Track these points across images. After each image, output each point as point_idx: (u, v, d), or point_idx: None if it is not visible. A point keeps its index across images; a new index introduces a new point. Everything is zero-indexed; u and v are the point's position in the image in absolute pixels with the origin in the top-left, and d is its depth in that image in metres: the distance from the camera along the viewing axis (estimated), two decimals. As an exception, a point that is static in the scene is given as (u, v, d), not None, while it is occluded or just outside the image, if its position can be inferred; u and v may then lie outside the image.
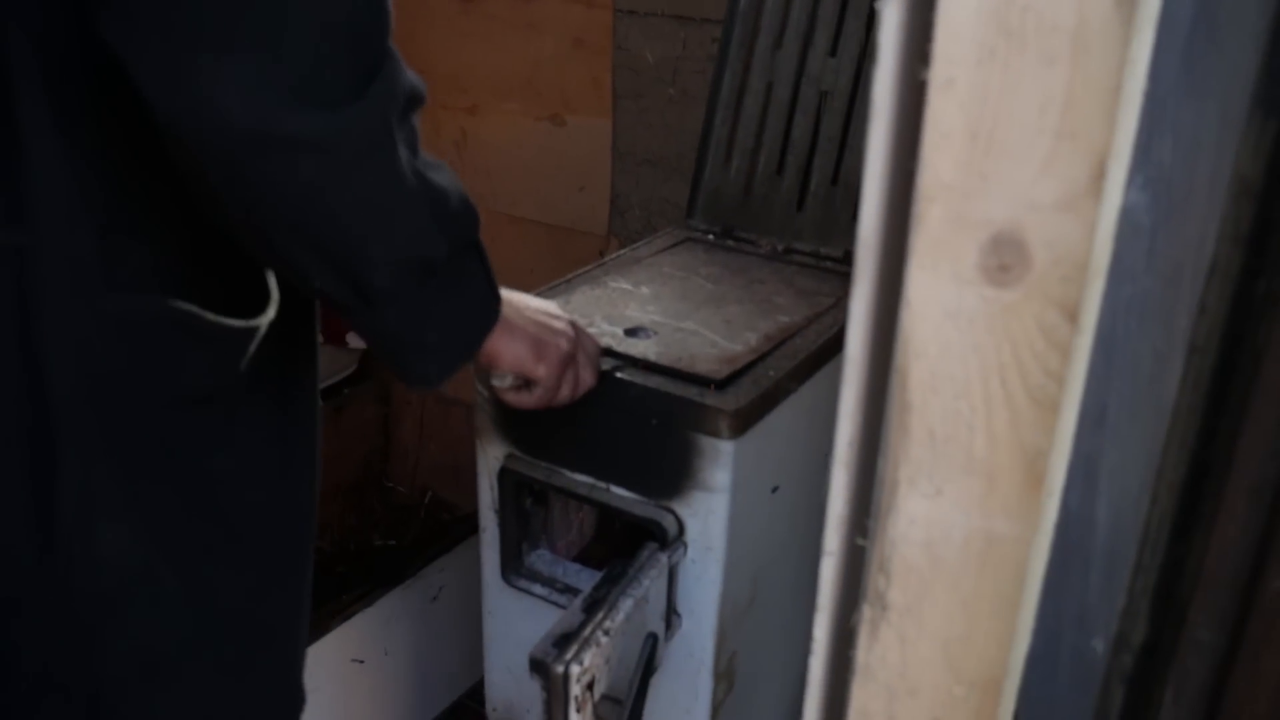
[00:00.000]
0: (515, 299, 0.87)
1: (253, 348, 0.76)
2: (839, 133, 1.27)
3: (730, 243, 1.31)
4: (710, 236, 1.34)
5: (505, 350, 0.82)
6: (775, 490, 1.02)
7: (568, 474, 1.03)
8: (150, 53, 0.60)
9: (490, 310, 0.80)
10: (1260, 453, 0.38)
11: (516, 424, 1.04)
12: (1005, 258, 0.46)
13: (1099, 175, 0.43)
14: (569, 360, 0.87)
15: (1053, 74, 0.42)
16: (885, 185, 0.48)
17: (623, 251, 1.28)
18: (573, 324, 0.90)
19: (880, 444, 0.52)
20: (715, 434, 0.91)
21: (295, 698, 0.96)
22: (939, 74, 0.44)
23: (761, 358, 0.99)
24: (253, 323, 0.75)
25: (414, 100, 0.70)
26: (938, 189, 0.46)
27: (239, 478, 0.80)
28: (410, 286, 0.72)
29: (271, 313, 0.76)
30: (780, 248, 1.28)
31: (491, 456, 1.07)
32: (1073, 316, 0.45)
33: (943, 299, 0.48)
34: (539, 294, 1.13)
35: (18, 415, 0.70)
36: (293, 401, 0.83)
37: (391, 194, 0.67)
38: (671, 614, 0.99)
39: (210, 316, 0.73)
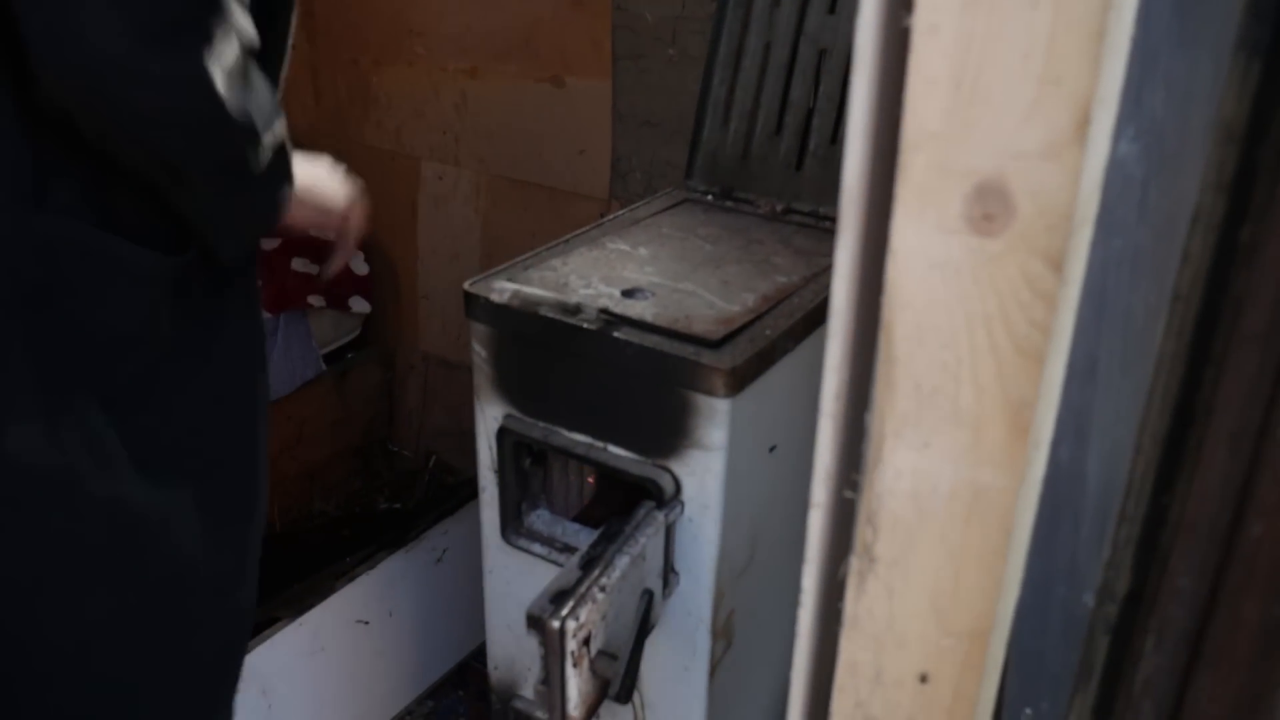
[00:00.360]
0: (304, 174, 0.98)
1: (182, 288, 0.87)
2: (838, 92, 1.26)
3: (729, 203, 1.31)
4: (709, 197, 1.33)
5: (297, 218, 0.98)
6: (773, 450, 1.02)
7: (565, 433, 1.03)
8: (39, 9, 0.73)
9: (285, 199, 0.92)
10: (1239, 400, 0.37)
11: (515, 384, 1.05)
12: (990, 207, 0.45)
13: (1084, 122, 0.42)
14: (347, 212, 1.04)
15: (1036, 18, 0.42)
16: (869, 135, 0.48)
17: (621, 213, 1.28)
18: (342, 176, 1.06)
19: (867, 396, 0.52)
20: (711, 392, 0.92)
21: (240, 626, 1.00)
22: (922, 20, 0.44)
23: (758, 317, 0.98)
24: (174, 259, 0.85)
25: (240, 38, 0.81)
26: (922, 137, 0.46)
27: (172, 412, 0.89)
28: (226, 188, 0.87)
29: (193, 252, 0.87)
30: (779, 208, 1.28)
31: (490, 417, 1.08)
32: (1057, 266, 0.45)
33: (928, 249, 0.47)
34: (537, 254, 1.12)
35: None
36: (226, 345, 0.93)
37: (214, 118, 0.80)
38: (669, 572, 0.99)
39: (130, 245, 0.82)
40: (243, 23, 0.81)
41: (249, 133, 0.82)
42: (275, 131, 0.86)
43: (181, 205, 0.85)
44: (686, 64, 1.71)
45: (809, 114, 1.28)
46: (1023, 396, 0.47)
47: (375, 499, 2.28)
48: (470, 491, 1.70)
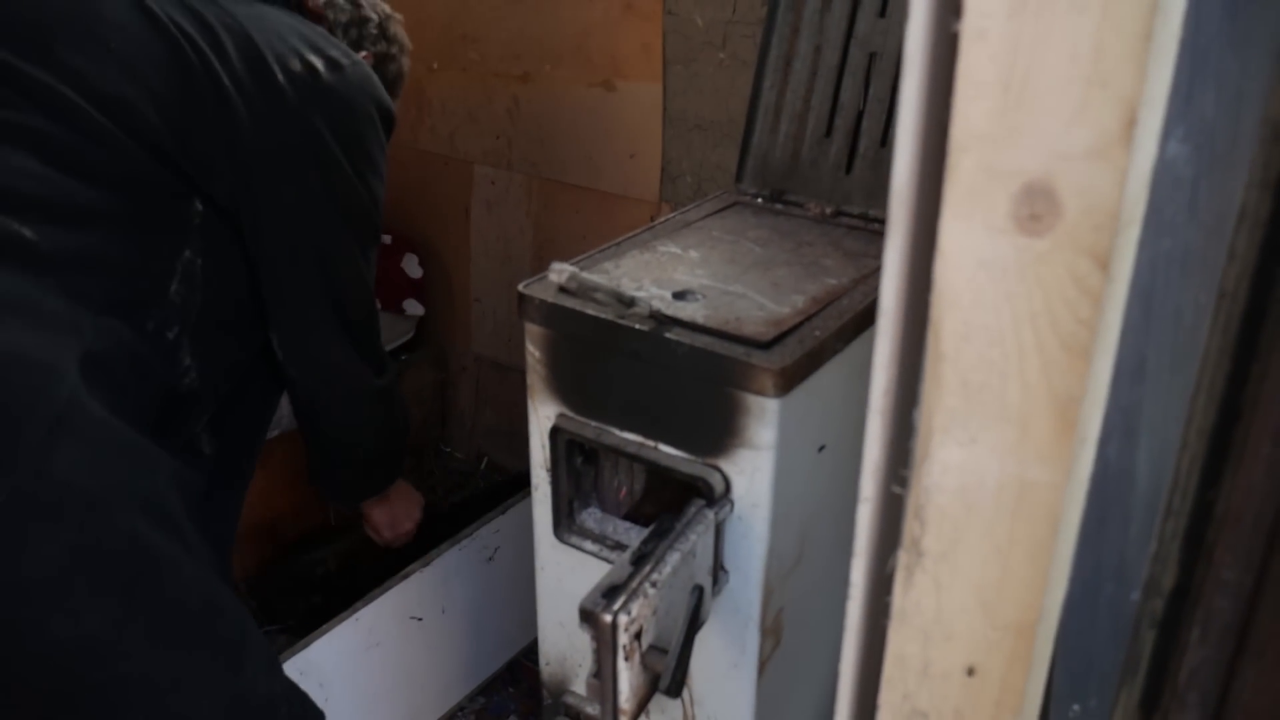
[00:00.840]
0: (402, 494, 1.66)
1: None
2: (887, 94, 1.26)
3: (779, 206, 1.32)
4: (759, 200, 1.34)
5: (373, 516, 1.63)
6: (822, 449, 1.03)
7: (617, 433, 1.05)
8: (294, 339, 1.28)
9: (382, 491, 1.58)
10: (1284, 394, 0.38)
11: (567, 384, 1.07)
12: (1037, 207, 0.46)
13: (1130, 123, 0.43)
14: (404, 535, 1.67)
15: (1083, 22, 0.43)
16: (918, 137, 0.49)
17: (672, 215, 1.30)
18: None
19: (915, 393, 0.53)
20: (761, 392, 0.93)
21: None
22: (971, 25, 0.45)
23: (808, 319, 0.99)
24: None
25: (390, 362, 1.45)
26: (970, 139, 0.47)
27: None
28: (364, 468, 1.50)
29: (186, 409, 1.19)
30: (829, 210, 1.28)
31: (543, 416, 1.10)
32: (1104, 265, 0.46)
33: (976, 248, 0.48)
34: (589, 257, 1.15)
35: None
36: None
37: (392, 422, 1.46)
38: (719, 569, 1.01)
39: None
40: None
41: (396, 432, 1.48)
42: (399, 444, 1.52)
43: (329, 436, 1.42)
44: (737, 68, 1.72)
45: (859, 117, 1.29)
46: (1070, 393, 0.48)
47: (428, 498, 2.31)
48: (521, 489, 1.73)
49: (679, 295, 1.04)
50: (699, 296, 1.03)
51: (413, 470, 2.35)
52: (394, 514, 1.62)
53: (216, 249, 1.15)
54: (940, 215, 0.48)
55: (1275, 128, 0.40)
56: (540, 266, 2.11)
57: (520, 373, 2.31)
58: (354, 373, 1.33)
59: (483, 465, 2.37)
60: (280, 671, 1.15)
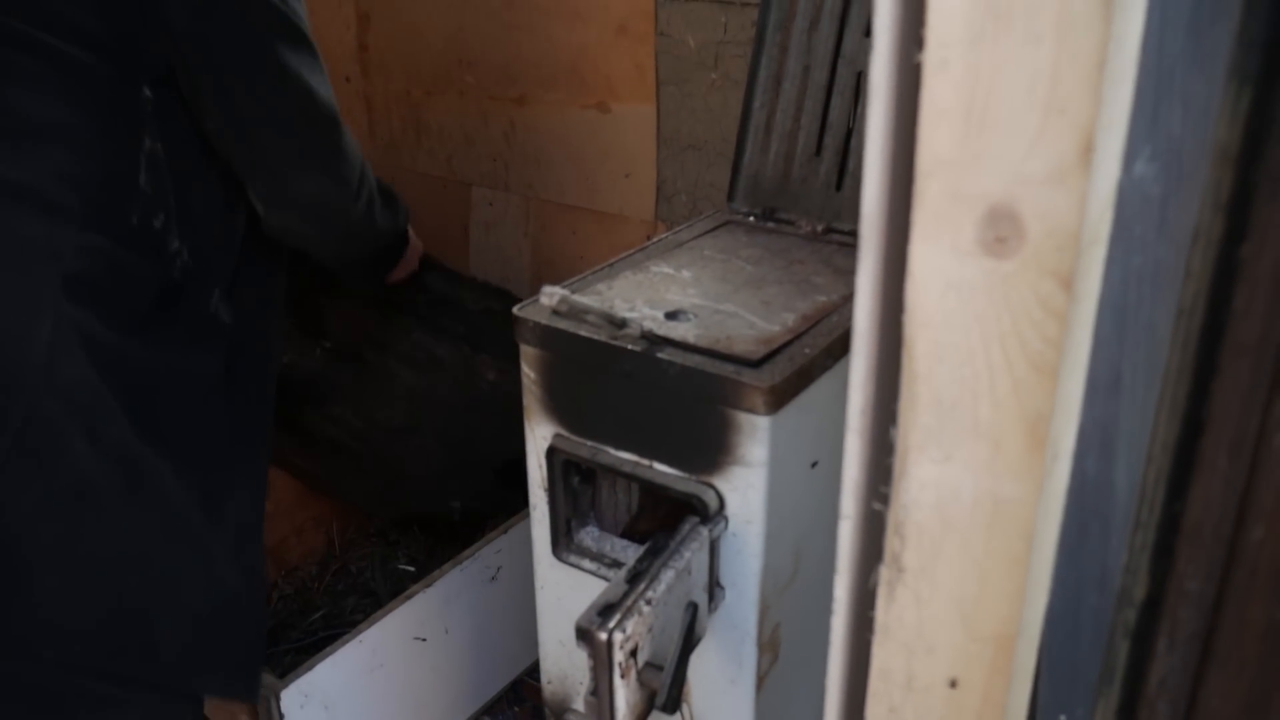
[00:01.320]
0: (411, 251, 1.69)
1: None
2: (876, 112, 1.28)
3: (771, 224, 1.33)
4: (751, 219, 1.36)
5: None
6: (814, 465, 1.04)
7: (612, 452, 1.06)
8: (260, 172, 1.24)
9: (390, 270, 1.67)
10: (1237, 410, 0.39)
11: (563, 404, 1.08)
12: (1001, 230, 0.48)
13: (1087, 148, 0.45)
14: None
15: (1039, 52, 0.44)
16: (886, 163, 0.51)
17: (665, 236, 1.31)
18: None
19: (891, 412, 0.55)
20: (752, 410, 0.94)
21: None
22: (933, 56, 0.47)
23: (798, 336, 1.01)
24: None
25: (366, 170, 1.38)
26: (935, 165, 0.48)
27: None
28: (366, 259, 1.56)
29: (190, 286, 1.22)
30: (820, 228, 1.30)
31: (539, 436, 1.11)
32: (1067, 285, 0.47)
33: (944, 270, 0.50)
34: (583, 279, 1.16)
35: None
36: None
37: (366, 224, 1.41)
38: (714, 586, 1.02)
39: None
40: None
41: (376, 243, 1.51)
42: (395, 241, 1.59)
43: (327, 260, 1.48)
44: (729, 88, 1.74)
45: (848, 135, 1.31)
46: (1039, 410, 0.49)
47: (431, 518, 2.32)
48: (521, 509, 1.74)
49: (671, 315, 1.05)
50: (691, 316, 1.05)
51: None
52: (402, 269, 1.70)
53: (174, 130, 1.15)
54: (909, 239, 0.50)
55: (1225, 151, 0.41)
56: (539, 286, 2.13)
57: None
58: (337, 205, 1.31)
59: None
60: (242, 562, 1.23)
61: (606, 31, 1.88)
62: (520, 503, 1.75)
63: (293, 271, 1.47)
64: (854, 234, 1.28)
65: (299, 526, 2.16)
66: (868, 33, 1.28)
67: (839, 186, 1.30)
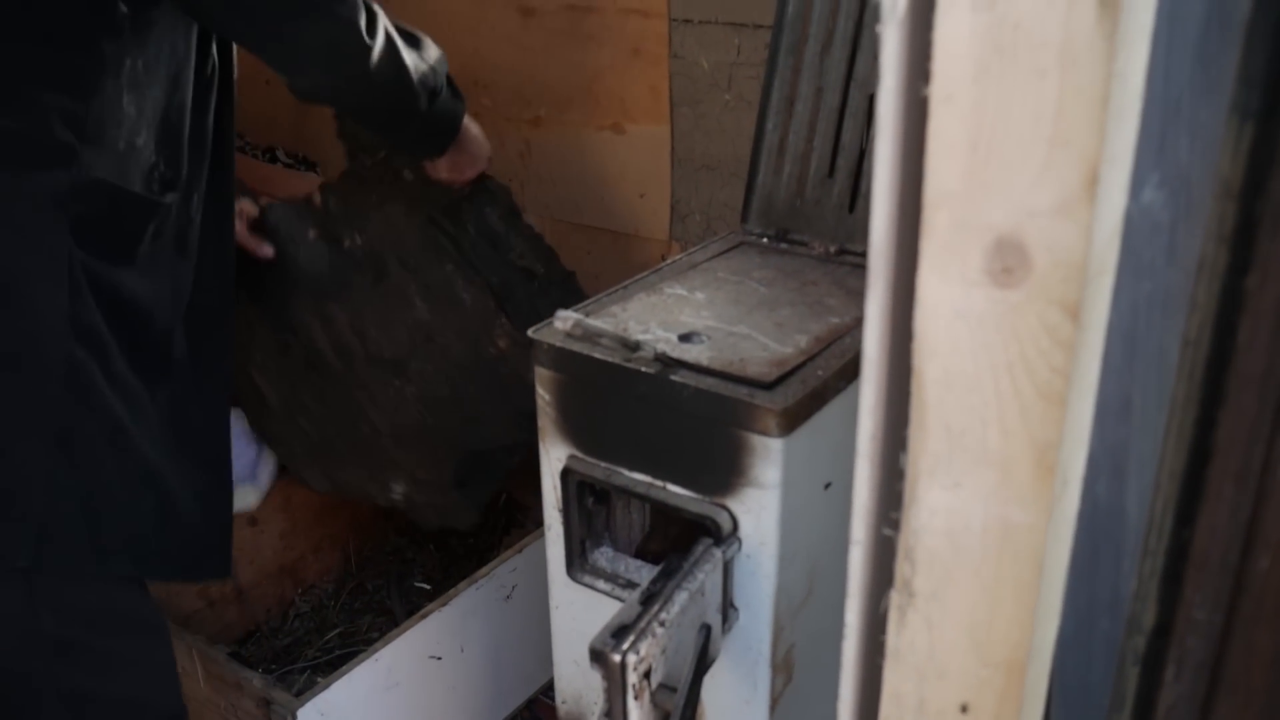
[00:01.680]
0: (470, 140, 1.60)
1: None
2: (888, 134, 1.28)
3: (784, 245, 1.34)
4: (765, 240, 1.37)
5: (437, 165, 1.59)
6: (828, 487, 1.05)
7: (626, 473, 1.06)
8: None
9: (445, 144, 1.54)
10: (1243, 440, 0.40)
11: (577, 426, 1.09)
12: (1008, 260, 0.48)
13: (1092, 181, 0.45)
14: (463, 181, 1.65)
15: (1044, 86, 0.45)
16: (894, 194, 0.51)
17: (679, 257, 1.32)
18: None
19: (901, 439, 0.55)
20: (765, 432, 0.95)
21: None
22: (939, 90, 0.47)
23: (811, 358, 1.01)
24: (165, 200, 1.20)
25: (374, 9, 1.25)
26: (943, 197, 0.49)
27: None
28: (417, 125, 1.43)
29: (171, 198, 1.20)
30: (833, 249, 1.31)
31: (554, 458, 1.12)
32: (1074, 315, 0.48)
33: (952, 300, 0.50)
34: (597, 301, 1.17)
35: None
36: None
37: (394, 69, 1.29)
38: (728, 607, 1.02)
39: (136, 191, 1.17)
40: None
41: (414, 90, 1.34)
42: (434, 86, 1.41)
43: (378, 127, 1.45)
44: (742, 109, 1.75)
45: (860, 157, 1.31)
46: (1047, 438, 0.50)
47: (448, 534, 2.33)
48: (537, 527, 1.75)
49: (684, 337, 1.06)
50: (704, 338, 1.06)
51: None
52: (456, 160, 1.60)
53: (149, 42, 1.14)
54: (918, 268, 0.51)
55: (1228, 184, 0.42)
56: (554, 306, 2.15)
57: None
58: (349, 49, 1.21)
59: (501, 500, 2.39)
60: None
61: (621, 54, 1.89)
62: (471, 509, 1.71)
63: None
64: (866, 255, 1.29)
65: (316, 544, 2.17)
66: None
67: (851, 208, 1.31)
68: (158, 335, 1.21)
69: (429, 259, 1.63)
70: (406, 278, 1.63)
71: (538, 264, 1.72)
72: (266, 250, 1.60)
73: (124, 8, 1.11)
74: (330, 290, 1.65)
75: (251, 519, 2.02)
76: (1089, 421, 0.51)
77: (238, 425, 1.81)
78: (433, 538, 2.32)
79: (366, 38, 1.22)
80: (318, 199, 1.69)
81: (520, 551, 1.75)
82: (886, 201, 0.51)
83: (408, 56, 1.32)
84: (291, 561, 2.14)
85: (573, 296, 1.64)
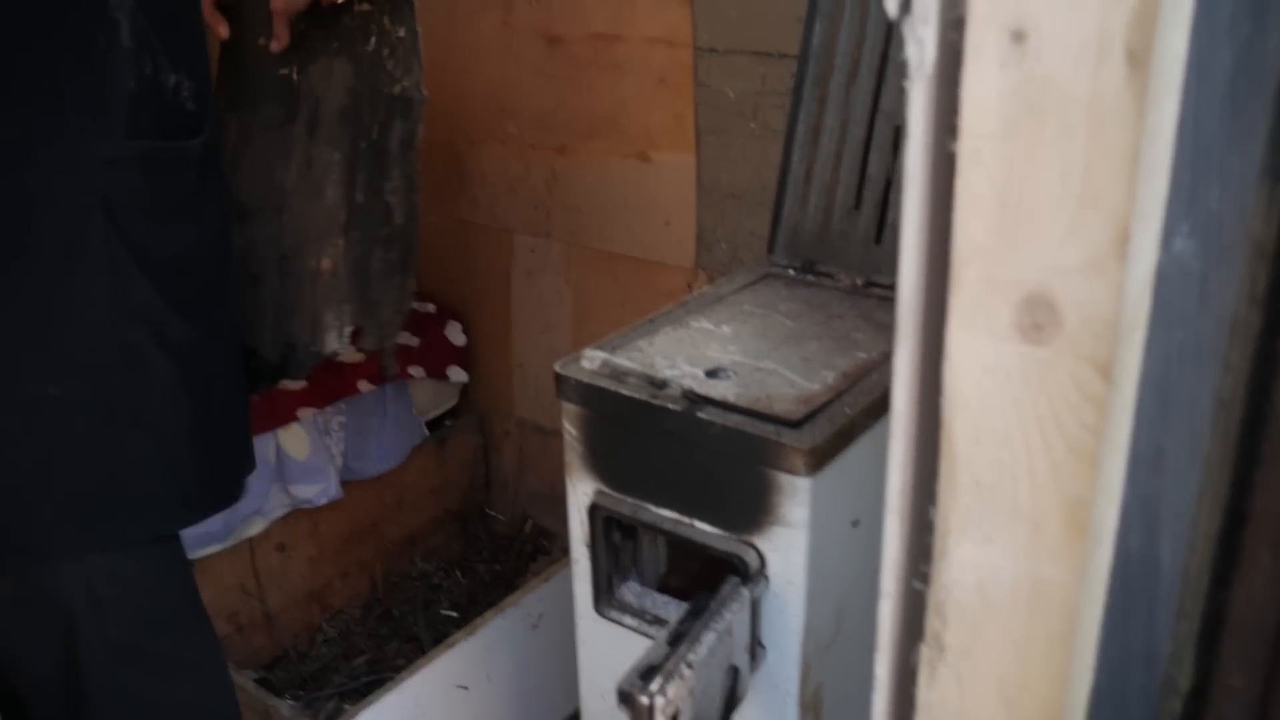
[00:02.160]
0: None
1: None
2: (915, 165, 1.28)
3: (810, 277, 1.34)
4: (791, 271, 1.36)
5: None
6: (856, 524, 1.04)
7: (653, 509, 1.06)
8: None
9: None
10: (1279, 506, 0.39)
11: (604, 461, 1.09)
12: (1038, 317, 0.48)
13: (1123, 239, 0.45)
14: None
15: (1072, 145, 0.45)
16: (922, 248, 0.51)
17: (705, 289, 1.32)
18: None
19: (930, 491, 0.55)
20: (792, 471, 0.94)
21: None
22: (966, 146, 0.47)
23: (838, 395, 1.01)
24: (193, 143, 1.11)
25: None
26: (972, 252, 0.49)
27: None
28: None
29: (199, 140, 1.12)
30: (859, 281, 1.30)
31: (581, 492, 1.12)
32: (1106, 372, 0.47)
33: (982, 355, 0.50)
34: (624, 335, 1.17)
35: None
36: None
37: None
38: (756, 646, 1.01)
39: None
40: None
41: None
42: None
43: None
44: (768, 137, 1.75)
45: (886, 188, 1.31)
46: (1078, 495, 0.49)
47: (475, 562, 2.34)
48: (562, 557, 1.75)
49: (711, 373, 1.06)
50: (731, 374, 1.05)
51: (459, 534, 2.38)
52: None
53: None
54: (946, 323, 0.50)
55: (1260, 246, 0.41)
56: (580, 332, 2.15)
57: (561, 437, 2.33)
58: None
59: (527, 528, 2.39)
60: None
61: (646, 83, 1.90)
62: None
63: None
64: (893, 288, 1.28)
65: (343, 570, 2.18)
66: (906, 88, 1.29)
67: (878, 240, 1.31)
68: (206, 280, 1.16)
69: (330, 134, 1.51)
70: (303, 135, 1.51)
71: (400, 212, 1.55)
72: (222, 31, 1.45)
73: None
74: (240, 99, 1.53)
75: (280, 544, 2.03)
76: (1121, 477, 0.51)
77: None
78: (461, 563, 2.32)
79: None
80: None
81: (547, 581, 1.74)
82: (914, 255, 0.51)
83: None
84: (319, 587, 2.15)
85: (404, 266, 1.53)
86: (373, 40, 1.50)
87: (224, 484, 1.22)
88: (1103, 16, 0.43)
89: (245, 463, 1.27)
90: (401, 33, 1.49)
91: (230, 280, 1.23)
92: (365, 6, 1.46)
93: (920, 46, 0.47)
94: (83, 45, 0.99)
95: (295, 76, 1.51)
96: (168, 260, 1.07)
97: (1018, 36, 0.44)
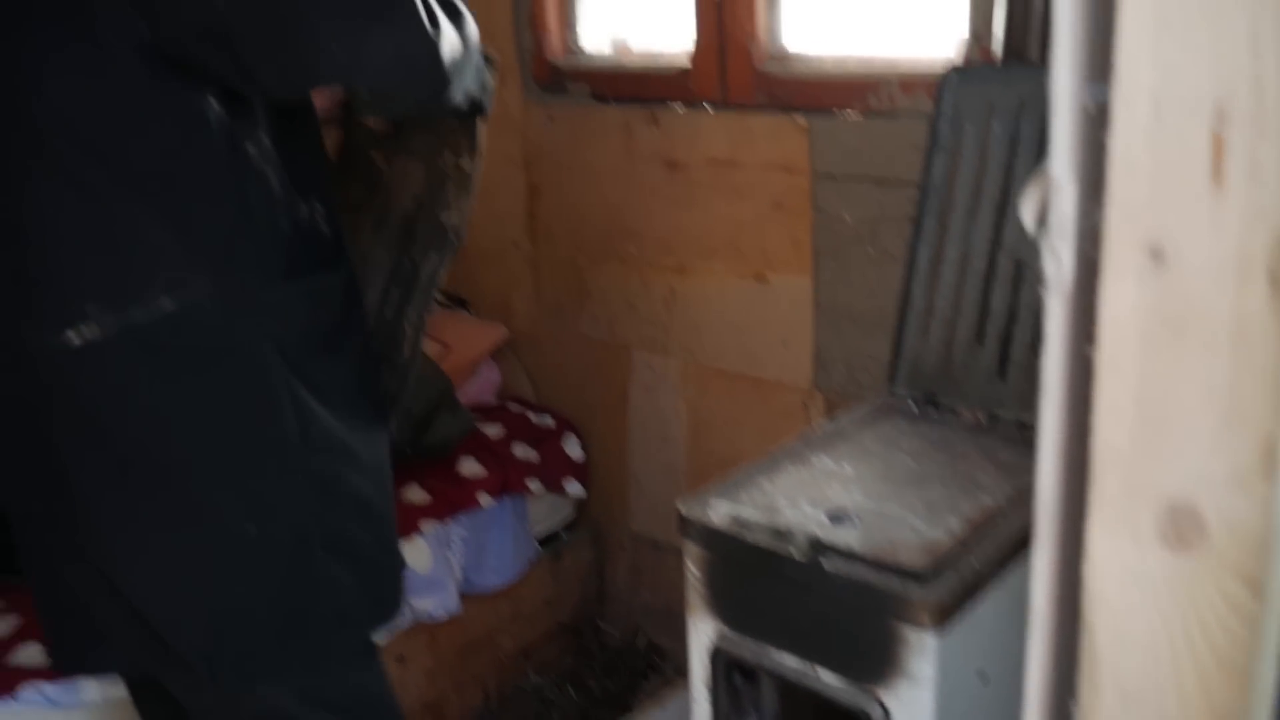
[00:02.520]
0: None
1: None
2: (1038, 302, 1.27)
3: (933, 411, 1.33)
4: (911, 402, 1.36)
5: None
6: (983, 677, 1.01)
7: (775, 654, 1.06)
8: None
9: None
10: None
11: (727, 604, 1.09)
12: (1182, 526, 0.48)
13: (1270, 457, 0.45)
14: None
15: (1215, 362, 0.45)
16: (1061, 452, 0.51)
17: (827, 424, 1.32)
18: None
19: (1070, 685, 0.54)
20: (919, 625, 0.93)
21: None
22: (1105, 356, 0.48)
23: (964, 545, 1.00)
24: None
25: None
26: (1113, 457, 0.49)
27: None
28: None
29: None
30: (982, 417, 1.29)
31: (702, 633, 1.12)
32: (1257, 589, 0.46)
33: (1124, 560, 0.50)
34: (745, 472, 1.18)
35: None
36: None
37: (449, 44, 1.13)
38: (881, 802, 0.99)
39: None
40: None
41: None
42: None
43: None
44: (886, 262, 1.76)
45: (1009, 323, 1.30)
46: (1229, 709, 0.48)
47: (586, 677, 2.33)
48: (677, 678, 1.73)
49: (835, 518, 1.05)
50: (854, 519, 1.05)
51: (572, 647, 2.38)
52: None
53: (245, 119, 1.09)
54: (1086, 524, 0.50)
55: None
56: (696, 448, 2.17)
57: (675, 553, 2.32)
58: (418, 51, 1.09)
59: (642, 644, 2.38)
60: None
61: (763, 207, 1.94)
62: None
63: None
64: (1019, 425, 1.26)
65: (458, 683, 2.20)
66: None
67: (1002, 374, 1.30)
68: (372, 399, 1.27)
69: (388, 237, 1.52)
70: (368, 227, 1.52)
71: (409, 345, 1.54)
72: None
73: (213, 102, 1.06)
74: (335, 173, 1.51)
75: (399, 656, 2.06)
76: (1272, 692, 0.49)
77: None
78: (573, 677, 2.32)
79: (431, 30, 1.09)
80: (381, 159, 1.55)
81: (661, 706, 1.73)
82: (1053, 456, 0.51)
83: (466, 31, 1.19)
84: (434, 698, 2.16)
85: (395, 399, 1.50)
86: (446, 154, 1.53)
87: (392, 593, 1.30)
88: (1243, 238, 0.43)
89: (402, 570, 1.35)
90: (464, 163, 1.53)
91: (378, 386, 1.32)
92: (453, 122, 1.49)
93: (1058, 261, 0.48)
94: (242, 204, 1.07)
95: (381, 163, 1.54)
96: (337, 385, 1.16)
97: (1156, 254, 0.45)
